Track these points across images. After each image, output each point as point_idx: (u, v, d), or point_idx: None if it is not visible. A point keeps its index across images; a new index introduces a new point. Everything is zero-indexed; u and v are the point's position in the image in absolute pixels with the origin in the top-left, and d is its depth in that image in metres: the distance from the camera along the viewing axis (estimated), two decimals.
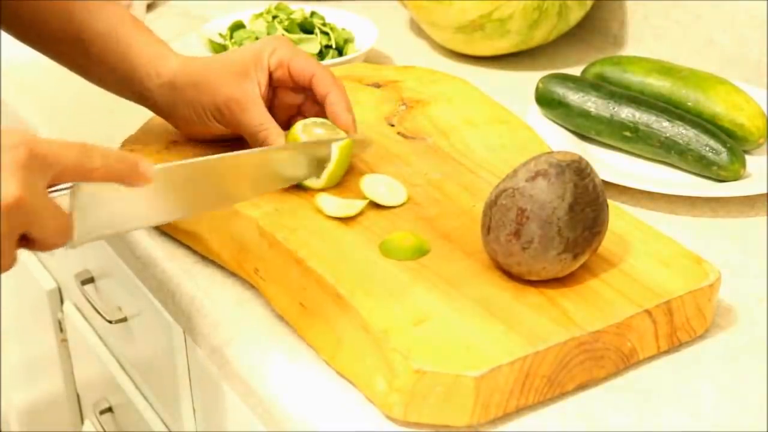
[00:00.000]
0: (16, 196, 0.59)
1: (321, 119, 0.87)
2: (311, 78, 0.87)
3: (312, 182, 0.84)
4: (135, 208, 0.69)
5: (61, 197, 0.64)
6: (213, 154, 0.77)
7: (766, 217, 0.93)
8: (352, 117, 0.87)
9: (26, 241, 0.63)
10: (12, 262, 0.62)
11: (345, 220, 0.81)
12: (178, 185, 0.72)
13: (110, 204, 0.67)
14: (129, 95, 0.92)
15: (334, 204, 0.81)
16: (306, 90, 0.89)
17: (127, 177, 0.65)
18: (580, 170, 0.72)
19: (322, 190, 0.84)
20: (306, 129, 0.85)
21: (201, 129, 0.89)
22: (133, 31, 0.90)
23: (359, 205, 0.81)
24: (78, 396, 1.40)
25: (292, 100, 0.90)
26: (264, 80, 0.87)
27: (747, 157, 0.98)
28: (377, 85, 1.02)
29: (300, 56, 0.88)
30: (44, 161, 0.61)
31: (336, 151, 0.84)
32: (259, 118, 0.85)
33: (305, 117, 0.89)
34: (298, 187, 0.84)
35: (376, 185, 0.84)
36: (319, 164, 0.84)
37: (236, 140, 0.89)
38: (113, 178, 0.65)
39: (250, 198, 0.80)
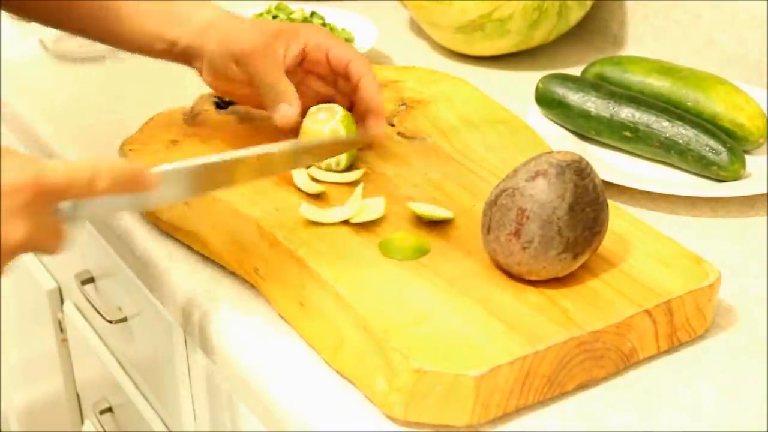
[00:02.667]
0: (18, 240, 0.60)
1: (326, 104, 0.88)
2: (348, 63, 0.89)
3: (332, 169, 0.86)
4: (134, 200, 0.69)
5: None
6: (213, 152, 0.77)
7: (766, 217, 0.93)
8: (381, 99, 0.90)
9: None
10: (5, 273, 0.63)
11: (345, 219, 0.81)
12: (180, 183, 0.72)
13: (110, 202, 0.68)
14: (159, 45, 0.90)
15: (314, 211, 0.81)
16: (338, 77, 0.91)
17: (131, 189, 0.66)
18: (580, 170, 0.72)
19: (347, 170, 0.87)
20: (310, 115, 0.87)
21: (223, 77, 0.90)
22: None
23: (349, 212, 0.81)
24: (78, 396, 1.40)
25: (319, 88, 0.92)
26: (293, 52, 0.88)
27: (747, 157, 0.98)
28: None
29: (339, 43, 0.91)
30: (51, 195, 0.62)
31: (341, 129, 0.86)
32: (278, 72, 0.87)
33: None
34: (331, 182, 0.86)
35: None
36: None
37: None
38: (118, 192, 0.66)
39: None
